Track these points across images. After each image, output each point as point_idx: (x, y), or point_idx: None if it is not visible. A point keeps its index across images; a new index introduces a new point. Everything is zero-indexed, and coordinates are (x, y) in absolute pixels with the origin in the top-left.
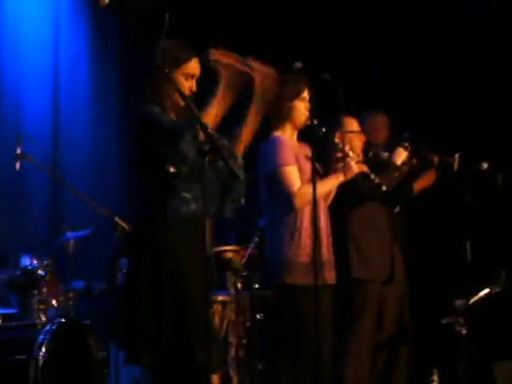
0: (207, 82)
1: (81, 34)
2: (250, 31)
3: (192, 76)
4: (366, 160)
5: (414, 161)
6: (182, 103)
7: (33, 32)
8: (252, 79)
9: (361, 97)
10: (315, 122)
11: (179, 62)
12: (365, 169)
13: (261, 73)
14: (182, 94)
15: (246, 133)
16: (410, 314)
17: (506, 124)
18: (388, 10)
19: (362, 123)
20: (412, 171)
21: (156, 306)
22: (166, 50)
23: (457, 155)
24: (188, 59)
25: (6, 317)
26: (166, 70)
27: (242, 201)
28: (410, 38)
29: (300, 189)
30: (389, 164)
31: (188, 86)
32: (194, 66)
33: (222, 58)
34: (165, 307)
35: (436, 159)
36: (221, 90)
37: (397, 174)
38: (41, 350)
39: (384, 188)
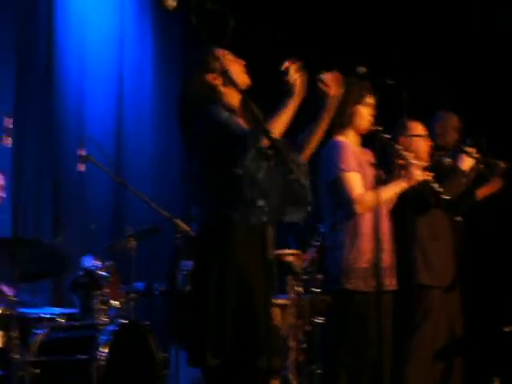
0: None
1: (145, 38)
2: (314, 37)
3: (231, 57)
4: (432, 165)
5: (481, 166)
6: (236, 104)
7: (98, 37)
8: (326, 94)
9: (425, 102)
10: (378, 128)
11: (212, 57)
12: (428, 176)
13: (335, 86)
14: (246, 100)
15: (315, 141)
16: (463, 323)
17: None
18: (452, 12)
19: (431, 124)
20: (478, 177)
21: (222, 310)
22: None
23: None
24: (215, 50)
25: (68, 316)
26: (227, 71)
27: (309, 210)
28: (475, 41)
29: (361, 195)
30: (454, 170)
31: (239, 65)
32: (223, 52)
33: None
34: (230, 311)
35: (502, 165)
36: (294, 103)
37: (464, 180)
38: (102, 350)
39: (446, 197)
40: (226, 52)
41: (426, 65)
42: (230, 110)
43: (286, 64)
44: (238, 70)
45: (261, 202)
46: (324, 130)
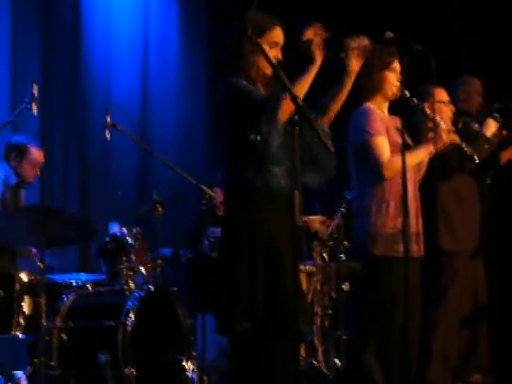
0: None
1: (170, 6)
2: (342, 3)
3: (276, 44)
4: (456, 131)
5: (504, 132)
6: (269, 73)
7: (123, 5)
8: (351, 60)
9: (453, 66)
10: (406, 92)
11: (263, 31)
12: (456, 139)
13: (358, 51)
14: (271, 63)
15: (337, 106)
16: (487, 290)
17: None
18: None
19: (454, 90)
20: (501, 142)
21: (251, 276)
22: (249, 19)
23: None
24: (271, 27)
25: (96, 283)
26: (255, 39)
27: (333, 173)
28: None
29: (390, 159)
30: (479, 135)
31: (273, 54)
32: (277, 34)
33: (316, 35)
34: (259, 277)
35: None
36: (315, 69)
37: (487, 145)
38: (129, 316)
39: (476, 158)
40: (280, 37)
41: (453, 29)
42: (249, 79)
43: (308, 29)
44: (273, 57)
45: (275, 169)
46: (346, 95)
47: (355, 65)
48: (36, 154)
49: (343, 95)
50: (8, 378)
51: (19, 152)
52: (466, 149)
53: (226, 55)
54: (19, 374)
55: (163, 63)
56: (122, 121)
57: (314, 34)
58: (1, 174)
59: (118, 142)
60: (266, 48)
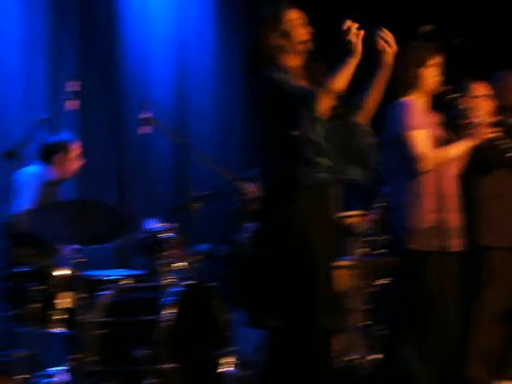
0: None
1: (206, 2)
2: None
3: (299, 20)
4: (493, 126)
5: None
6: (303, 65)
7: (160, 3)
8: (384, 51)
9: (493, 61)
10: (447, 87)
11: (280, 18)
12: (494, 133)
13: (391, 44)
14: (308, 63)
15: (373, 101)
16: None
17: None
18: None
19: (492, 85)
20: None
21: (283, 271)
22: (274, 15)
23: None
24: (286, 12)
25: (134, 278)
26: (285, 28)
27: (375, 169)
28: None
29: (426, 153)
30: None
31: (305, 30)
32: (294, 13)
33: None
34: (291, 272)
35: None
36: (354, 62)
37: None
38: (167, 311)
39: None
40: (297, 15)
41: (492, 23)
42: (286, 72)
43: (348, 23)
44: (302, 34)
45: (315, 164)
46: (382, 90)
47: (389, 58)
48: (77, 148)
49: (378, 91)
50: (47, 375)
51: (64, 152)
52: (503, 143)
53: (262, 49)
54: (58, 370)
55: (199, 59)
56: (158, 117)
57: (356, 28)
58: (39, 176)
59: (156, 137)
60: (294, 29)
